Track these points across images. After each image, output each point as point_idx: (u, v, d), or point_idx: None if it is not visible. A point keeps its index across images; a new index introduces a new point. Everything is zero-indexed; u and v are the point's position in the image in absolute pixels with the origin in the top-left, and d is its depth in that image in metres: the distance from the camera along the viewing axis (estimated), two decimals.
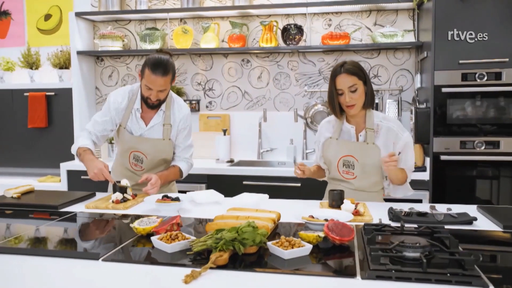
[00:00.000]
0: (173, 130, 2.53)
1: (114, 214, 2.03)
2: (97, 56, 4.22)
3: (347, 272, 1.32)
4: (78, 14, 3.96)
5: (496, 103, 3.17)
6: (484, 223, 1.85)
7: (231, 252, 1.43)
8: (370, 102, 2.35)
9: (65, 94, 3.96)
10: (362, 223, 1.79)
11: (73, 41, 3.95)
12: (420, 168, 3.34)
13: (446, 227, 1.75)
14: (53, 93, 3.97)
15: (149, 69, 2.28)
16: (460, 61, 3.18)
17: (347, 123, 2.39)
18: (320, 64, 3.94)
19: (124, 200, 2.17)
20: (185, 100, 4.12)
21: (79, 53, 3.96)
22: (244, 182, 3.47)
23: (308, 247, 1.45)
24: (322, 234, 1.53)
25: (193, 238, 1.53)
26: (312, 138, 3.98)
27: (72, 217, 1.98)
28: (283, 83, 4.01)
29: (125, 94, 2.49)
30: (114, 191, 2.24)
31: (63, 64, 4.03)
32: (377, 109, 3.83)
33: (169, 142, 2.52)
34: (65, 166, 3.72)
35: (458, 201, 2.88)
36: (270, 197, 2.30)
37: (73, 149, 2.47)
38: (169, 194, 2.13)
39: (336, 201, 2.06)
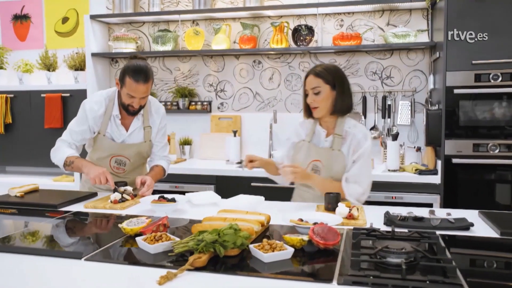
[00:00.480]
0: (153, 132, 2.58)
1: (110, 214, 2.05)
2: (112, 58, 4.30)
3: (323, 277, 1.29)
4: (93, 17, 4.03)
5: (510, 105, 3.07)
6: (481, 229, 1.78)
7: (212, 254, 1.43)
8: (339, 109, 2.29)
9: (80, 95, 4.03)
10: (361, 227, 1.76)
11: (88, 43, 4.03)
12: (431, 171, 3.26)
13: (441, 232, 1.71)
14: (68, 94, 4.06)
15: (130, 77, 2.26)
16: (473, 62, 3.09)
17: (320, 126, 2.37)
18: None
19: (123, 200, 2.19)
20: (197, 102, 4.15)
21: (93, 55, 4.03)
22: (253, 184, 3.46)
23: (290, 250, 1.43)
24: (306, 238, 1.51)
25: (178, 239, 1.53)
26: None
27: (68, 216, 2.01)
28: (294, 84, 3.99)
29: (101, 102, 2.45)
30: (114, 191, 2.27)
31: (79, 66, 4.12)
32: (389, 111, 3.77)
33: (150, 143, 2.58)
34: None
35: (470, 206, 2.80)
36: (277, 200, 2.32)
37: (59, 160, 2.41)
38: (165, 195, 2.14)
39: (332, 204, 2.03)
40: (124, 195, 2.22)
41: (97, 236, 1.76)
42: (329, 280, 1.26)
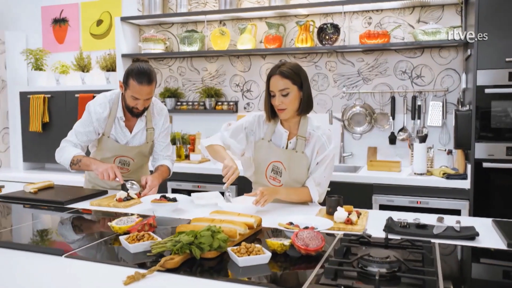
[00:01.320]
0: (156, 133, 2.61)
1: (112, 212, 2.08)
2: (142, 60, 4.38)
3: (291, 284, 1.24)
4: (124, 19, 4.13)
5: None
6: (488, 239, 1.65)
7: (189, 256, 1.40)
8: (305, 109, 2.21)
9: None
10: (352, 233, 1.68)
11: (119, 45, 4.14)
12: (460, 176, 3.08)
13: (440, 241, 1.59)
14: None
15: (134, 79, 2.29)
16: (507, 59, 2.90)
17: (281, 126, 2.27)
18: (359, 65, 3.78)
19: (128, 198, 2.22)
20: (223, 102, 4.15)
21: (123, 56, 4.13)
22: None
23: (267, 255, 1.38)
24: (287, 243, 1.45)
25: (160, 239, 1.52)
26: (350, 141, 3.83)
27: (71, 213, 2.06)
28: (320, 84, 3.90)
29: (105, 104, 2.48)
30: (122, 188, 2.31)
31: (110, 66, 4.23)
32: (419, 112, 3.60)
33: (152, 143, 2.62)
34: None
35: (503, 214, 2.63)
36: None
37: (66, 159, 2.44)
38: (167, 195, 2.14)
39: (333, 208, 1.94)
40: (130, 194, 2.25)
41: (88, 234, 1.79)
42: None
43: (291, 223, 1.68)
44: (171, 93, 4.25)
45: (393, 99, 3.67)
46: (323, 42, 3.72)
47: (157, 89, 4.29)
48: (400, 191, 3.16)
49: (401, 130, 3.67)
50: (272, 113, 2.23)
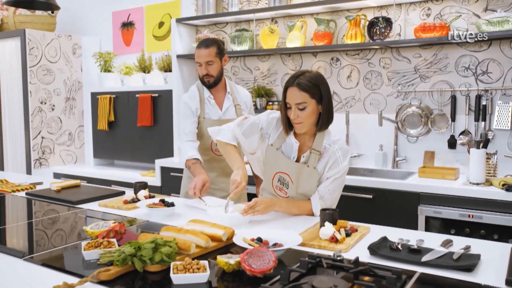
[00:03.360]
0: (243, 109, 2.82)
1: (112, 214, 2.10)
2: None
3: None
4: (179, 20, 4.21)
5: None
6: (490, 272, 1.37)
7: (131, 268, 1.35)
8: (324, 124, 2.03)
9: (166, 95, 4.26)
10: (326, 252, 1.51)
11: (174, 46, 4.23)
12: None
13: (426, 270, 1.36)
14: (157, 95, 4.31)
15: (196, 48, 2.65)
16: None
17: (292, 136, 2.08)
18: (416, 61, 3.44)
19: (135, 200, 2.23)
20: (274, 101, 4.05)
21: (178, 56, 4.21)
22: None
23: (204, 274, 1.28)
24: (232, 261, 1.33)
25: (117, 247, 1.49)
26: (405, 144, 3.51)
27: (74, 213, 2.12)
28: (374, 82, 3.62)
29: (192, 93, 2.75)
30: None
31: (167, 67, 4.34)
32: (484, 113, 3.18)
33: None
34: (159, 163, 4.02)
35: None
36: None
37: (183, 163, 2.60)
38: (166, 199, 2.11)
39: (327, 222, 1.77)
40: (138, 196, 2.26)
41: (64, 236, 1.82)
42: None
43: (259, 239, 1.55)
44: None
45: (453, 99, 3.29)
46: (374, 38, 3.44)
47: None
48: (450, 202, 2.82)
49: (462, 133, 3.28)
50: (289, 126, 2.08)
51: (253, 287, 1.27)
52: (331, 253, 1.45)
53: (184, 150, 2.60)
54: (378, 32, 3.42)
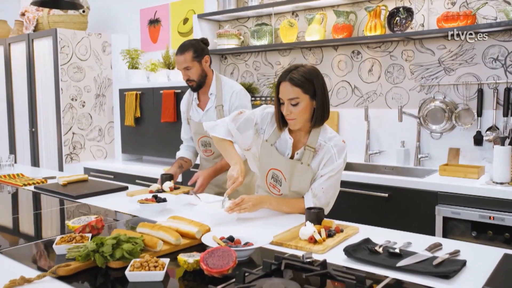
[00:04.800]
0: (225, 109, 2.64)
1: (106, 209, 2.11)
2: (221, 54, 4.42)
3: None
4: (200, 16, 4.21)
5: None
6: (473, 280, 1.25)
7: (93, 264, 1.34)
8: (319, 120, 1.94)
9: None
10: (297, 253, 1.43)
11: None
12: None
13: (401, 276, 1.26)
14: (180, 91, 4.33)
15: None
16: None
17: (287, 132, 2.00)
18: (441, 52, 3.25)
19: (160, 191, 2.30)
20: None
21: None
22: None
23: (159, 273, 1.24)
24: (191, 260, 1.29)
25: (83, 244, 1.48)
26: (428, 141, 3.33)
27: (65, 207, 2.16)
28: (396, 76, 3.46)
29: (184, 97, 2.86)
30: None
31: None
32: (507, 109, 2.96)
33: None
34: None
35: None
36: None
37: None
38: (159, 195, 2.10)
39: (312, 222, 1.69)
40: (164, 188, 2.33)
41: (47, 229, 1.84)
42: None
43: (230, 238, 1.49)
44: (246, 89, 4.19)
45: (480, 92, 3.08)
46: (394, 29, 3.28)
47: None
48: (470, 202, 2.64)
49: (489, 129, 3.07)
50: (283, 122, 2.02)
51: None
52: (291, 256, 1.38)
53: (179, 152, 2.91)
54: (398, 23, 3.26)
